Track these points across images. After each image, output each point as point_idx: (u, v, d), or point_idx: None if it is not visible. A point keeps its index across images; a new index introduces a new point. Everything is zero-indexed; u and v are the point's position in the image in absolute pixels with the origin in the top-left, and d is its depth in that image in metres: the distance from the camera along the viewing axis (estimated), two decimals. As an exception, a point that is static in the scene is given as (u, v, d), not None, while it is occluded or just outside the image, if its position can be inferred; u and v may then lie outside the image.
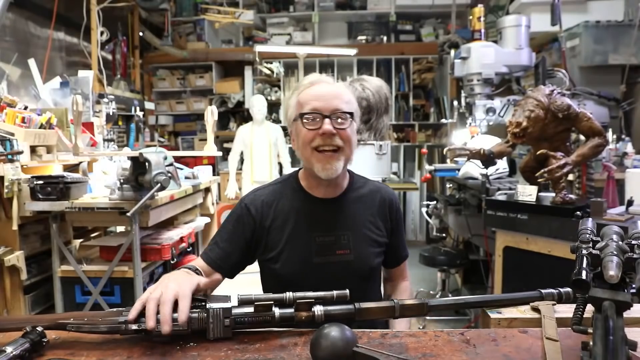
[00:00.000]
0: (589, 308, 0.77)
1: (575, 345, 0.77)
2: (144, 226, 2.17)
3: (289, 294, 0.85)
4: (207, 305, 0.83)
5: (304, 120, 1.16)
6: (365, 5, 5.72)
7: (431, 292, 3.60)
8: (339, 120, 1.15)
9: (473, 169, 2.86)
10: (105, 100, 3.57)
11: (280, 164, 4.56)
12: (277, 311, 0.84)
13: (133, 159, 2.04)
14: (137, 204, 1.93)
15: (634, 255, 0.73)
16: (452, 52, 3.86)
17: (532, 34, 3.32)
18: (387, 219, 1.29)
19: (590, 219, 0.86)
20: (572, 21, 3.37)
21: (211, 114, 2.51)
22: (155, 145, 5.03)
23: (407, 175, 5.76)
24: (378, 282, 1.33)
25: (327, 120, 1.14)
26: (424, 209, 3.80)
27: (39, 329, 0.77)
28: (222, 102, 5.80)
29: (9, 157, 2.12)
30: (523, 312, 0.91)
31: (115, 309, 0.85)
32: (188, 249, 2.75)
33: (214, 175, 3.21)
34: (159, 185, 1.93)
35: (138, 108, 4.79)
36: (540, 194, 2.15)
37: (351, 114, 1.18)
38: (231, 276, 1.24)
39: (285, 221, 1.21)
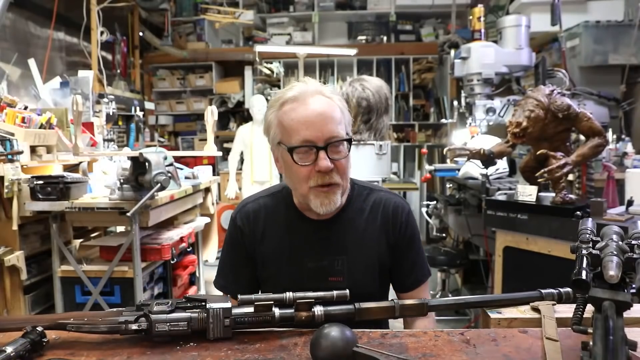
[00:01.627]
0: (589, 308, 0.77)
1: (575, 345, 0.77)
2: (144, 226, 2.18)
3: (289, 294, 0.85)
4: (207, 305, 0.83)
5: (295, 155, 1.01)
6: (365, 5, 5.72)
7: (431, 292, 3.60)
8: (336, 148, 1.02)
9: (473, 169, 2.86)
10: (105, 100, 3.57)
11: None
12: (277, 311, 0.84)
13: (133, 159, 2.04)
14: (137, 204, 1.93)
15: (634, 255, 0.73)
16: (452, 52, 3.87)
17: (532, 34, 3.32)
18: (389, 234, 1.15)
19: (590, 219, 0.86)
20: (572, 21, 3.37)
21: (211, 114, 2.52)
22: (155, 145, 5.03)
23: (407, 175, 5.76)
24: None
25: (322, 155, 0.99)
26: (424, 209, 3.80)
27: (39, 329, 0.77)
28: (222, 102, 5.80)
29: (9, 157, 2.12)
30: (523, 312, 0.91)
31: (115, 309, 0.85)
32: (188, 249, 2.76)
33: (214, 175, 3.22)
34: (159, 185, 1.93)
35: (138, 108, 4.80)
36: (540, 194, 2.15)
37: (349, 140, 1.04)
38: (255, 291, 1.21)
39: (276, 238, 1.14)
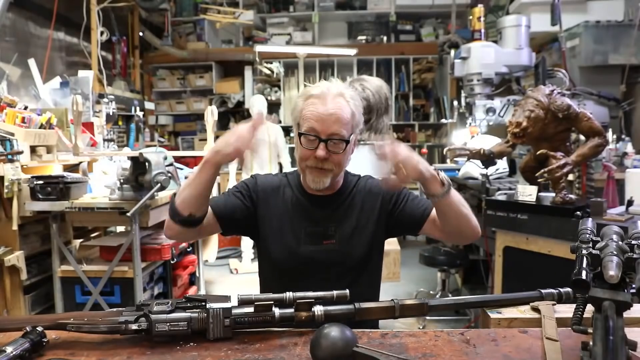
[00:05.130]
0: (589, 308, 0.77)
1: (575, 345, 0.77)
2: (144, 226, 2.18)
3: (289, 294, 0.85)
4: (207, 306, 0.83)
5: (302, 139, 1.23)
6: (365, 5, 5.72)
7: (431, 292, 3.60)
8: (334, 144, 1.22)
9: (473, 169, 2.86)
10: (105, 100, 3.57)
11: (280, 164, 4.56)
12: (277, 311, 0.84)
13: (133, 159, 2.04)
14: (137, 204, 1.93)
15: (634, 255, 0.73)
16: (452, 52, 3.86)
17: (532, 34, 3.32)
18: (377, 203, 1.34)
19: (590, 219, 0.86)
20: (572, 21, 3.37)
21: (211, 114, 2.52)
22: (155, 145, 5.03)
23: (407, 175, 5.75)
24: (372, 276, 1.35)
25: (321, 145, 1.20)
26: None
27: (39, 329, 0.77)
28: (222, 102, 5.80)
29: (9, 157, 2.12)
30: (523, 312, 0.91)
31: (115, 309, 0.85)
32: (188, 249, 2.76)
33: (214, 175, 3.21)
34: (159, 185, 1.93)
35: (138, 108, 4.80)
36: (540, 194, 2.15)
37: (347, 141, 1.23)
38: (225, 228, 1.31)
39: (281, 207, 1.33)
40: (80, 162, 2.45)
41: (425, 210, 1.28)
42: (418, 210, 1.30)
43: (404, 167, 1.05)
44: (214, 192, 3.29)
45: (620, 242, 0.76)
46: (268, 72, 5.53)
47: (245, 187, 1.34)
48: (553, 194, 2.08)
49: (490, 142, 2.63)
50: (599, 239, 0.80)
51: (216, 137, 5.11)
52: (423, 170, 1.08)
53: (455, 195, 1.16)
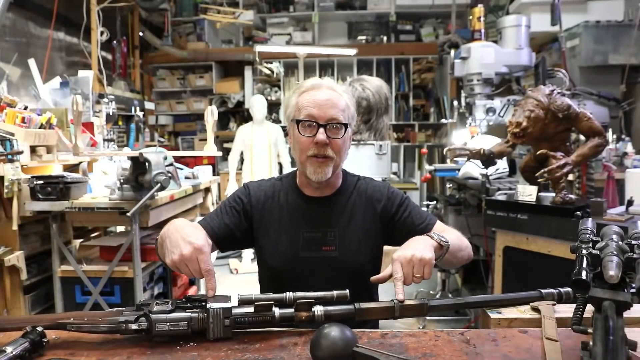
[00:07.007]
0: (589, 308, 0.77)
1: (575, 345, 0.77)
2: (144, 226, 2.17)
3: (289, 294, 0.86)
4: (207, 305, 0.83)
5: (300, 127, 1.21)
6: (365, 5, 5.72)
7: (431, 292, 3.60)
8: (334, 129, 1.21)
9: (473, 169, 2.86)
10: (105, 100, 3.57)
11: (280, 164, 4.56)
12: (277, 311, 0.84)
13: (133, 159, 2.04)
14: (137, 204, 1.93)
15: (634, 255, 0.73)
16: (452, 52, 3.86)
17: (532, 34, 3.32)
18: (377, 209, 1.30)
19: (590, 219, 0.86)
20: (572, 21, 3.37)
21: (211, 114, 2.51)
22: (155, 145, 5.03)
23: (407, 175, 5.76)
24: (370, 283, 1.27)
25: (321, 130, 1.19)
26: (424, 209, 3.79)
27: (39, 329, 0.77)
28: (222, 102, 5.80)
29: (9, 157, 2.12)
30: (523, 312, 0.91)
31: (115, 309, 0.85)
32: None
33: (214, 175, 3.21)
34: (159, 185, 1.93)
35: (138, 108, 4.80)
36: (540, 194, 2.15)
37: (346, 125, 1.23)
38: (222, 248, 1.28)
39: (277, 213, 1.29)
40: (80, 162, 2.45)
41: (427, 227, 1.27)
42: (419, 226, 1.28)
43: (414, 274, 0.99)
44: (214, 192, 3.27)
45: (620, 242, 0.76)
46: (268, 72, 5.53)
47: (238, 200, 1.30)
48: (553, 194, 2.08)
49: (490, 142, 2.63)
50: (599, 239, 0.80)
51: (216, 137, 5.06)
52: (425, 258, 1.00)
53: (453, 246, 1.14)
